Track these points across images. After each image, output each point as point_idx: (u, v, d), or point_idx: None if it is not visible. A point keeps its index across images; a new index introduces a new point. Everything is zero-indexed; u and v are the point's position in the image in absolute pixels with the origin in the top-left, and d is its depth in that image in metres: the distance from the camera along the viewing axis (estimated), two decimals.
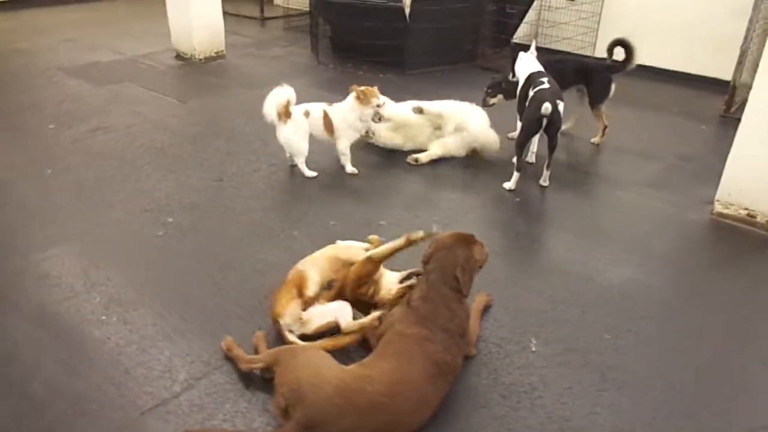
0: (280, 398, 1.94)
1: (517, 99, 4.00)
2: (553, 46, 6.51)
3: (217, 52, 6.51)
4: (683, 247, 3.32)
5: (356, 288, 2.43)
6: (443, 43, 6.32)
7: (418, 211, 3.51)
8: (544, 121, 3.53)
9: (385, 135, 4.23)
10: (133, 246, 3.11)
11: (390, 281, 2.51)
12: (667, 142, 4.67)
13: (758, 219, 3.37)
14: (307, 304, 2.36)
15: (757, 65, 3.21)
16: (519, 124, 4.08)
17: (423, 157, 4.13)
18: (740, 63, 5.11)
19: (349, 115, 3.81)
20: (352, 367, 1.99)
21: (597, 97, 4.36)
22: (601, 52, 5.09)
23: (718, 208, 3.50)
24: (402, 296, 2.36)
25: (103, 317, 2.56)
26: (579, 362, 2.40)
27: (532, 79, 3.77)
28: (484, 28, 6.52)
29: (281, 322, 2.34)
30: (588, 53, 6.41)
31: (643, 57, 6.15)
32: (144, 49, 6.77)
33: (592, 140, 4.55)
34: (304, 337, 2.34)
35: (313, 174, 3.85)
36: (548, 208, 3.74)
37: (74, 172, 3.88)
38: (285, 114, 3.62)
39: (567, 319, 2.65)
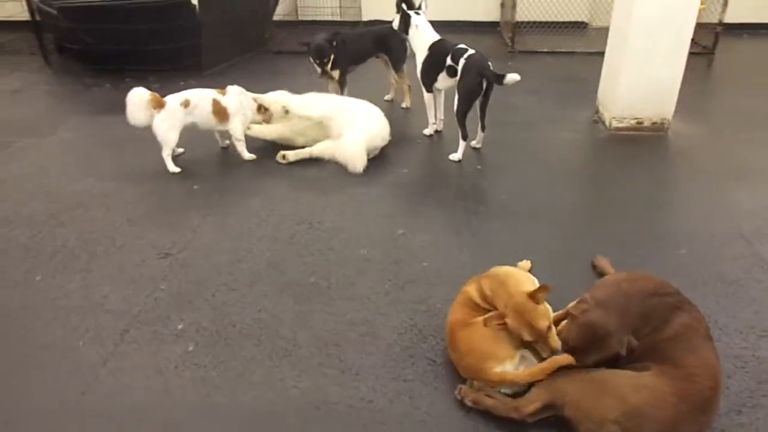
0: (615, 427, 1.75)
1: (421, 68, 3.89)
2: (316, 19, 6.56)
3: None
4: (607, 157, 3.86)
5: None
6: (234, 33, 5.66)
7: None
8: (484, 85, 3.57)
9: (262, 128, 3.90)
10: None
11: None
12: None
13: (645, 124, 4.12)
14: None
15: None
16: (425, 93, 4.02)
17: (291, 155, 3.75)
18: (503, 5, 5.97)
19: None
20: (653, 375, 1.84)
21: (399, 61, 4.45)
22: (367, 17, 5.29)
23: (614, 123, 4.13)
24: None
25: None
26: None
27: (445, 48, 3.72)
28: (269, 10, 6.04)
29: (505, 367, 1.99)
30: (355, 20, 6.57)
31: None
32: None
33: (403, 105, 4.62)
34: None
35: (176, 170, 3.63)
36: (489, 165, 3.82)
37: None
38: (158, 104, 3.51)
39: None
